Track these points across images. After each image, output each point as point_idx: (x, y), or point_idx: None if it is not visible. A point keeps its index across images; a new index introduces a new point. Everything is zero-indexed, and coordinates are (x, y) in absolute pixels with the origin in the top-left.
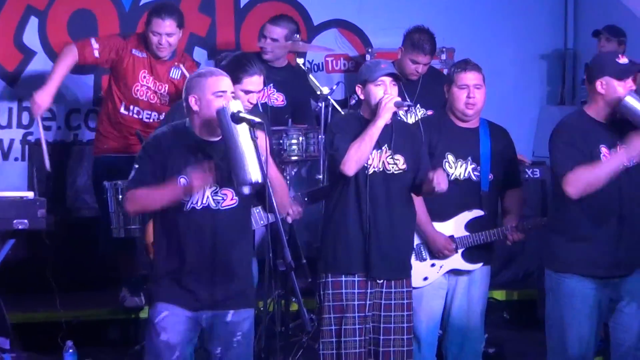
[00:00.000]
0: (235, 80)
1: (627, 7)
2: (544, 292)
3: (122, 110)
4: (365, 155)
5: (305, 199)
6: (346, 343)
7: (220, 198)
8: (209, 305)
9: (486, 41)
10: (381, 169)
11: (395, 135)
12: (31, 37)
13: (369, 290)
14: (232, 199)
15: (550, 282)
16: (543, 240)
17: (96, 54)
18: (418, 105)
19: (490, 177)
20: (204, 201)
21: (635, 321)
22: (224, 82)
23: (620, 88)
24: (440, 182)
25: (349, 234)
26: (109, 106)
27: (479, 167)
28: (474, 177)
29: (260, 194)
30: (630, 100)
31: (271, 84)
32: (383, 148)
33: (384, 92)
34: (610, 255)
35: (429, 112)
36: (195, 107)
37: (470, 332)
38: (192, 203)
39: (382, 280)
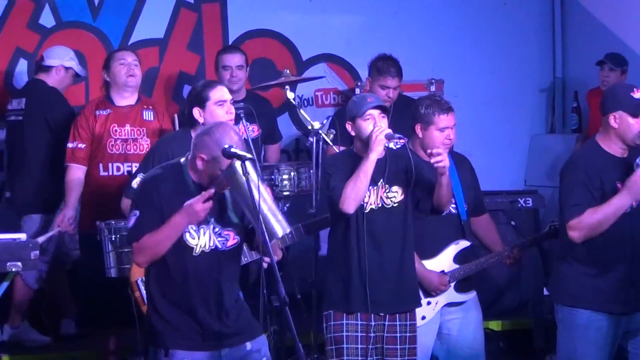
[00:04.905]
0: (206, 99)
1: (614, 33)
2: (540, 321)
3: (101, 172)
4: (362, 191)
5: (302, 230)
6: None
7: (224, 239)
8: (225, 342)
9: (475, 72)
10: (380, 205)
11: (389, 167)
12: (21, 79)
13: (372, 323)
14: (234, 239)
15: (562, 314)
16: (554, 271)
17: (82, 146)
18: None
19: (465, 206)
20: (211, 244)
21: None
22: (232, 132)
23: (635, 124)
24: (442, 158)
25: (351, 275)
26: (89, 178)
27: (454, 199)
28: (452, 210)
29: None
30: None
31: (243, 118)
32: (379, 183)
33: (374, 125)
34: (623, 292)
35: (402, 140)
36: (201, 166)
37: (478, 358)
38: (201, 247)
39: (384, 314)
